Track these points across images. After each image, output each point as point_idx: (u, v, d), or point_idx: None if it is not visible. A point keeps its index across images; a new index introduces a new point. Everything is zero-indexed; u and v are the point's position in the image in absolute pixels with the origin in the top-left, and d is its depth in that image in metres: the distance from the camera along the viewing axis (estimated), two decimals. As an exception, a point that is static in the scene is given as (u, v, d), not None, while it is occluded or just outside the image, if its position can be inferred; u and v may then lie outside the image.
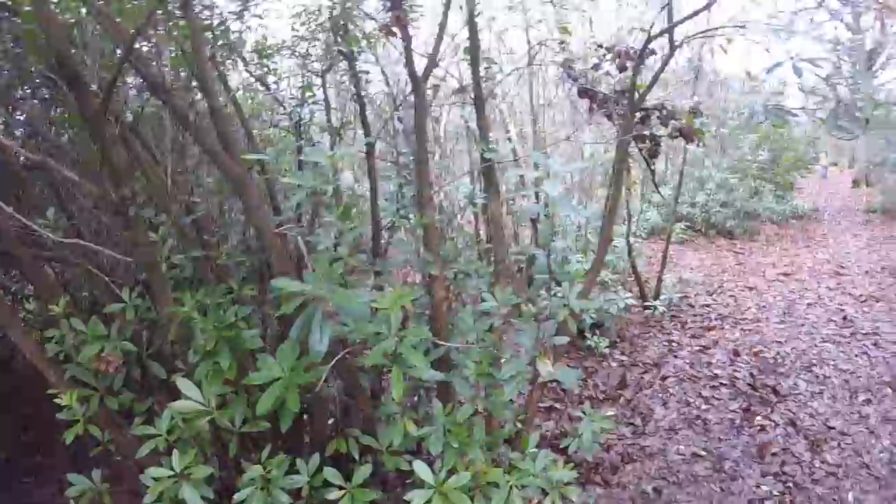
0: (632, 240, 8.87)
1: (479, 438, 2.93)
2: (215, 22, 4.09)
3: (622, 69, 4.47)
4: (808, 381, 6.28)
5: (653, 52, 4.30)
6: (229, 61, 4.55)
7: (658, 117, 4.25)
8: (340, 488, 2.69)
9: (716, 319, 8.08)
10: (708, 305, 8.62)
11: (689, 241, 12.36)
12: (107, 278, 3.26)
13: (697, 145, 6.67)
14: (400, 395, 2.43)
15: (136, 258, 3.06)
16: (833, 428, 5.40)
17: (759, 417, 5.73)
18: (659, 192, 5.81)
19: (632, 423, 5.90)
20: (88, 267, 3.31)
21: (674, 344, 7.41)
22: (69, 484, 2.98)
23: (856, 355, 6.77)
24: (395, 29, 3.28)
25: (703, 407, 6.02)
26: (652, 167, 4.83)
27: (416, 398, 4.05)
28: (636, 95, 3.97)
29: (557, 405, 6.34)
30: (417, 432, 2.88)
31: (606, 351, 7.19)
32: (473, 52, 3.75)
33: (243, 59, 4.65)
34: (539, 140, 8.04)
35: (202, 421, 2.59)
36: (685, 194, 12.65)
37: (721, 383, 6.41)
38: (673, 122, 4.12)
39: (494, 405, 3.13)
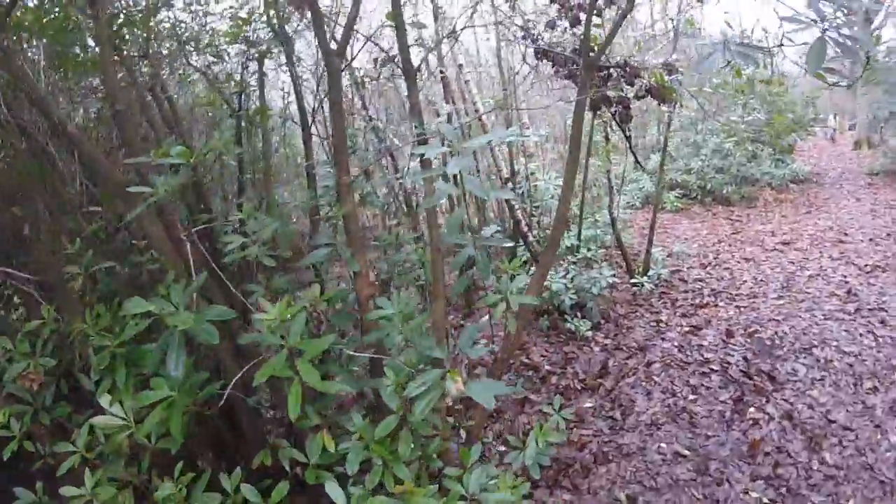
0: (620, 212, 8.20)
1: (406, 454, 2.62)
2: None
3: (574, 23, 3.88)
4: (808, 365, 5.61)
5: (611, 2, 3.69)
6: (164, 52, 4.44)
7: (622, 76, 3.67)
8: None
9: (709, 295, 7.38)
10: (701, 280, 7.91)
11: (685, 210, 11.58)
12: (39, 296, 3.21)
13: (674, 106, 6.03)
14: (296, 411, 2.25)
15: (42, 277, 3.08)
16: (834, 422, 4.75)
17: (751, 409, 5.09)
18: (637, 161, 5.15)
19: (610, 417, 5.28)
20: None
21: (662, 324, 6.75)
22: (14, 497, 2.92)
23: (861, 335, 6.07)
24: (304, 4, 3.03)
25: (691, 397, 5.38)
26: (627, 133, 4.26)
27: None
28: (591, 51, 3.33)
29: (533, 396, 5.73)
30: (338, 448, 2.66)
31: (589, 334, 6.54)
32: (397, 17, 3.21)
33: (183, 52, 4.52)
34: (511, 110, 7.31)
35: (122, 436, 2.50)
36: (679, 160, 11.88)
37: (711, 369, 5.76)
38: (640, 80, 3.53)
39: (415, 419, 2.63)
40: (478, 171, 7.73)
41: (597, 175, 8.24)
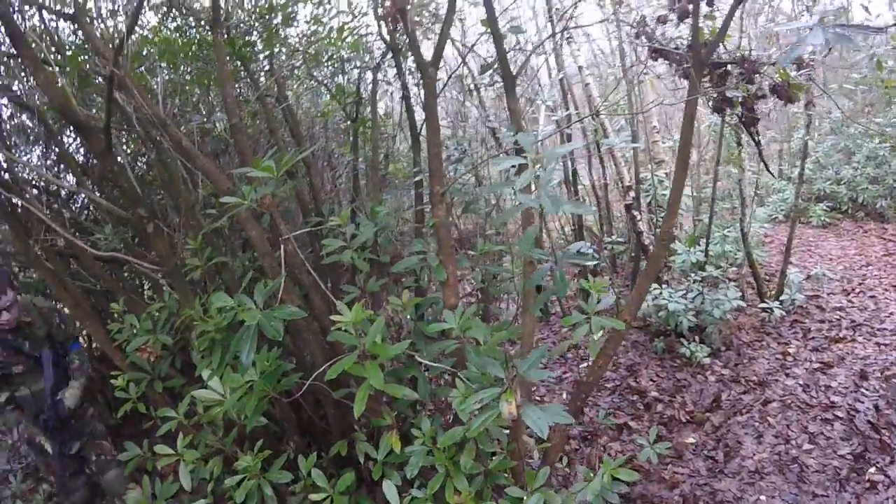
0: (757, 226, 7.49)
1: (467, 466, 2.65)
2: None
3: (682, 16, 3.44)
4: (952, 424, 4.86)
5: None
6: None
7: (741, 73, 3.26)
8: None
9: (847, 328, 6.55)
10: (841, 308, 7.04)
11: (833, 225, 10.36)
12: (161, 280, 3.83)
13: (807, 106, 5.33)
14: (360, 409, 2.33)
15: (161, 266, 3.47)
16: (972, 501, 4.06)
17: (872, 469, 4.46)
18: (768, 168, 4.58)
19: (711, 458, 4.82)
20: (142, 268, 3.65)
21: (788, 358, 6.07)
22: (124, 449, 3.33)
23: None
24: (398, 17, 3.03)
25: (806, 447, 4.79)
26: (756, 137, 3.77)
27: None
28: (702, 45, 2.98)
29: (633, 423, 5.37)
30: (405, 451, 2.73)
31: (706, 361, 6.00)
32: (492, 23, 3.01)
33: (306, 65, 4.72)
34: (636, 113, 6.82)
35: (216, 410, 2.75)
36: (828, 168, 10.60)
37: (836, 416, 5.11)
38: (762, 77, 3.12)
39: (471, 434, 2.59)
40: (604, 180, 7.32)
41: (731, 185, 7.57)
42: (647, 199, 7.00)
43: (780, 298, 6.72)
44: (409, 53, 4.13)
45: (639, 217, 6.59)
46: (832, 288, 7.63)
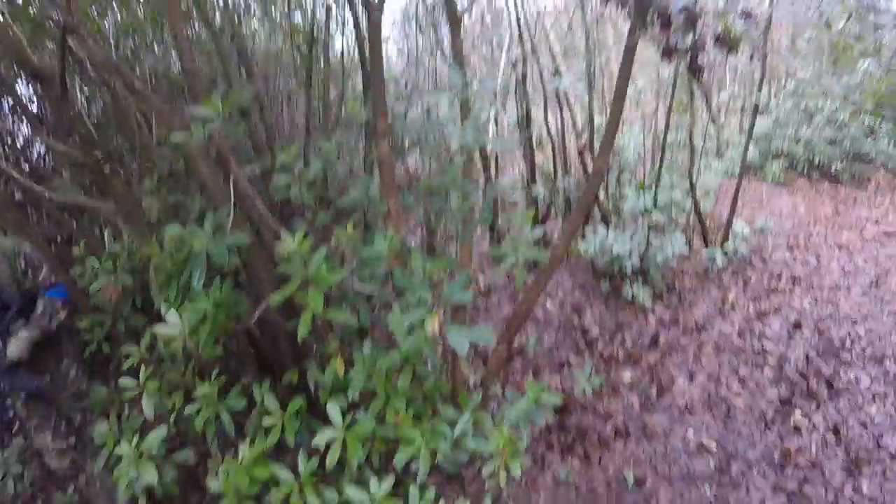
0: (710, 177, 7.55)
1: (404, 388, 2.75)
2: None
3: None
4: (875, 377, 5.05)
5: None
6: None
7: (687, 19, 3.22)
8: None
9: (787, 281, 6.73)
10: (783, 262, 7.19)
11: (788, 183, 10.51)
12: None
13: (751, 58, 5.31)
14: (303, 335, 2.41)
15: (118, 207, 3.44)
16: (884, 447, 4.26)
17: (797, 414, 4.65)
18: (713, 121, 4.60)
19: (645, 394, 4.98)
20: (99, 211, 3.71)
21: (727, 304, 6.23)
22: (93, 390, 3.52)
23: (950, 352, 5.40)
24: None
25: (735, 388, 4.98)
26: (703, 89, 3.77)
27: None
28: None
29: (573, 358, 5.48)
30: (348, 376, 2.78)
31: (649, 303, 6.13)
32: None
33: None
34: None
35: (176, 343, 2.72)
36: (788, 127, 10.62)
37: (767, 362, 5.29)
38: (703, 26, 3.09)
39: (402, 354, 2.69)
40: (560, 124, 7.26)
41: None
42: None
43: (724, 248, 6.83)
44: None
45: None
46: (778, 242, 7.80)
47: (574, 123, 6.75)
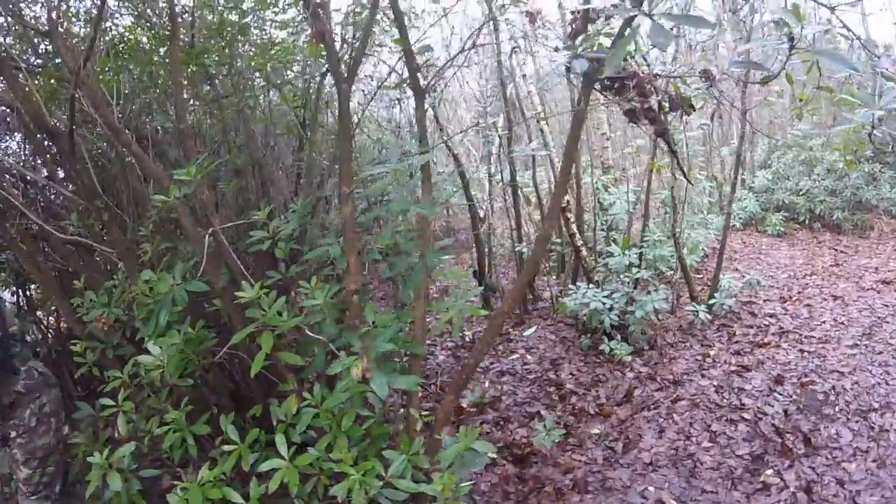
0: (705, 233, 7.45)
1: (347, 427, 2.90)
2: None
3: (575, 35, 3.46)
4: (857, 432, 4.79)
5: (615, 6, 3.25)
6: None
7: (635, 86, 3.32)
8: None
9: (774, 334, 6.50)
10: (773, 315, 6.99)
11: (789, 235, 10.25)
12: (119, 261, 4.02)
13: (712, 118, 5.31)
14: (255, 372, 2.81)
15: (115, 249, 3.88)
16: (858, 508, 4.01)
17: (768, 472, 4.41)
18: (685, 176, 4.54)
19: (611, 448, 4.82)
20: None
21: (708, 360, 6.04)
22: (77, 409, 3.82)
23: (939, 406, 5.11)
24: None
25: (705, 444, 4.77)
26: (673, 147, 3.85)
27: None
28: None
29: (544, 412, 5.33)
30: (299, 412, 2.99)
31: (628, 359, 5.98)
32: (404, 41, 3.32)
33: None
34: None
35: (155, 372, 3.06)
36: (789, 179, 10.48)
37: (743, 417, 5.07)
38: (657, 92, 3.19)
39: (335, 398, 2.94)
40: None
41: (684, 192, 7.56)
42: (590, 204, 7.02)
43: (710, 302, 6.66)
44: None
45: (571, 219, 6.55)
46: (770, 295, 7.60)
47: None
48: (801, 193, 10.46)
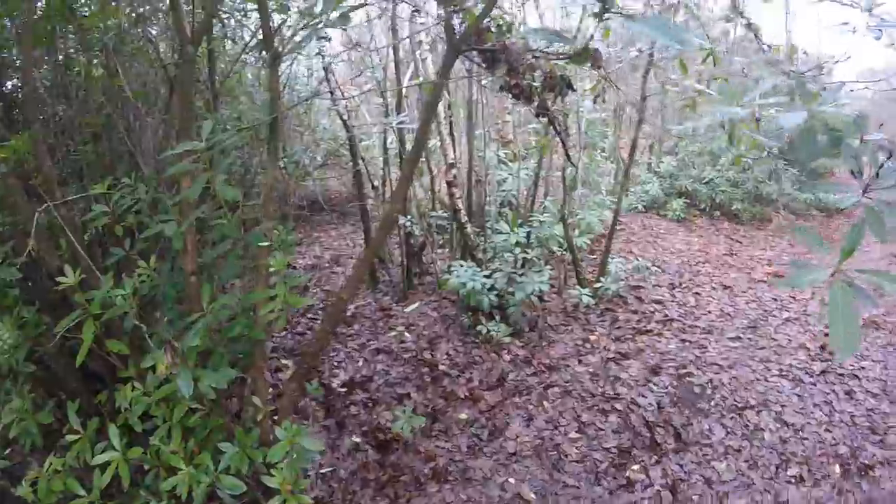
0: (592, 214, 7.04)
1: (178, 418, 2.80)
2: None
3: (445, 3, 3.18)
4: (730, 429, 4.48)
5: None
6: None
7: (506, 60, 3.05)
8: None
9: (657, 322, 6.17)
10: (659, 302, 6.67)
11: (689, 221, 10.09)
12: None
13: (595, 100, 5.13)
14: (80, 361, 2.72)
15: None
16: (726, 509, 3.66)
17: (634, 467, 4.03)
18: (569, 159, 4.13)
19: (476, 436, 4.36)
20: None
21: (587, 345, 5.64)
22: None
23: (815, 405, 4.82)
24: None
25: (573, 436, 4.36)
26: (557, 127, 3.53)
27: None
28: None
29: (414, 394, 4.82)
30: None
31: (507, 340, 5.50)
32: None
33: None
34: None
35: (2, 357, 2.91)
36: (693, 168, 10.33)
37: (614, 408, 4.69)
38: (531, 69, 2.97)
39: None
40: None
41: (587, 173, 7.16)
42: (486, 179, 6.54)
43: (596, 286, 6.26)
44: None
45: (457, 194, 6.00)
46: (660, 280, 7.30)
47: (445, 157, 6.20)
48: (704, 182, 10.34)
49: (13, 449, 3.30)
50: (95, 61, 4.07)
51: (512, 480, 3.92)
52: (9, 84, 3.97)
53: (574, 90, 3.34)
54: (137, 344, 2.99)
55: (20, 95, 3.50)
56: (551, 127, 3.89)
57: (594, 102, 5.43)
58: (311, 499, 2.78)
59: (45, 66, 4.04)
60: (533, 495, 3.78)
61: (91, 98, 4.15)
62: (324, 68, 5.88)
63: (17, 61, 3.89)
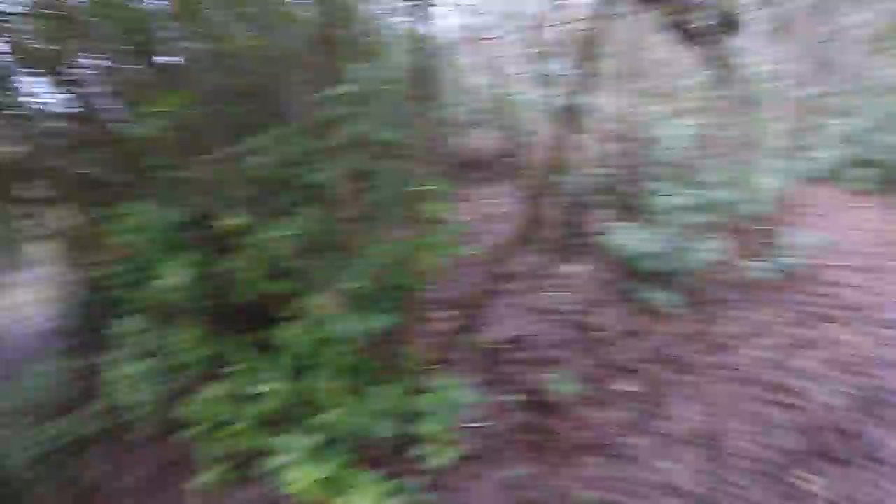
0: (769, 179, 6.49)
1: (333, 358, 2.84)
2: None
3: None
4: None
5: None
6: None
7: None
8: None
9: (837, 308, 5.62)
10: (837, 284, 6.06)
11: (877, 195, 8.99)
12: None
13: None
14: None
15: None
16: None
17: (810, 476, 3.76)
18: (738, 117, 3.74)
19: (634, 411, 4.28)
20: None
21: (761, 327, 5.26)
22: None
23: None
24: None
25: (739, 427, 4.15)
26: (729, 77, 3.22)
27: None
28: None
29: (572, 358, 4.77)
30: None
31: (670, 311, 5.27)
32: None
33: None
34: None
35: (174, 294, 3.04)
36: (884, 132, 9.03)
37: (790, 403, 4.37)
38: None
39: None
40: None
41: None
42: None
43: (770, 260, 5.80)
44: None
45: (617, 151, 5.78)
46: (844, 261, 6.59)
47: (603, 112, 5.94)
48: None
49: (184, 374, 3.47)
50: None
51: (668, 466, 3.82)
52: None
53: (736, 30, 2.98)
54: (299, 285, 3.05)
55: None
56: (720, 77, 3.56)
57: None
58: (460, 451, 2.86)
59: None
60: (690, 486, 3.66)
61: (240, 64, 4.25)
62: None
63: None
